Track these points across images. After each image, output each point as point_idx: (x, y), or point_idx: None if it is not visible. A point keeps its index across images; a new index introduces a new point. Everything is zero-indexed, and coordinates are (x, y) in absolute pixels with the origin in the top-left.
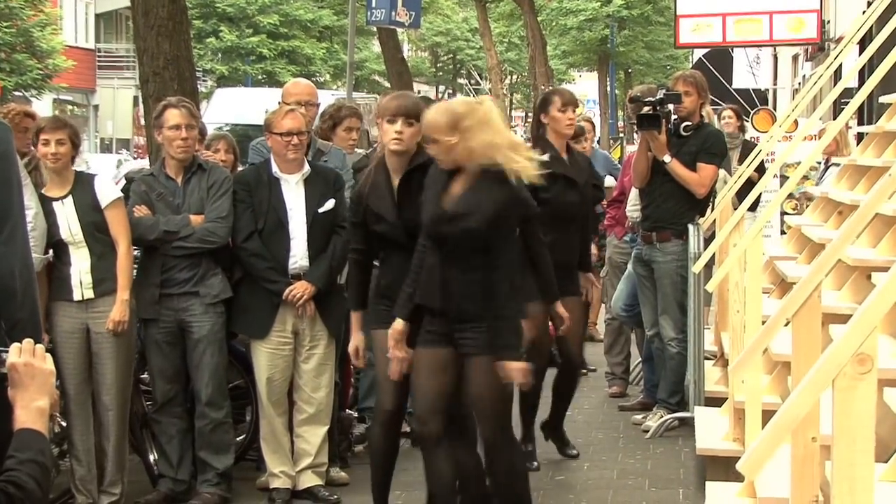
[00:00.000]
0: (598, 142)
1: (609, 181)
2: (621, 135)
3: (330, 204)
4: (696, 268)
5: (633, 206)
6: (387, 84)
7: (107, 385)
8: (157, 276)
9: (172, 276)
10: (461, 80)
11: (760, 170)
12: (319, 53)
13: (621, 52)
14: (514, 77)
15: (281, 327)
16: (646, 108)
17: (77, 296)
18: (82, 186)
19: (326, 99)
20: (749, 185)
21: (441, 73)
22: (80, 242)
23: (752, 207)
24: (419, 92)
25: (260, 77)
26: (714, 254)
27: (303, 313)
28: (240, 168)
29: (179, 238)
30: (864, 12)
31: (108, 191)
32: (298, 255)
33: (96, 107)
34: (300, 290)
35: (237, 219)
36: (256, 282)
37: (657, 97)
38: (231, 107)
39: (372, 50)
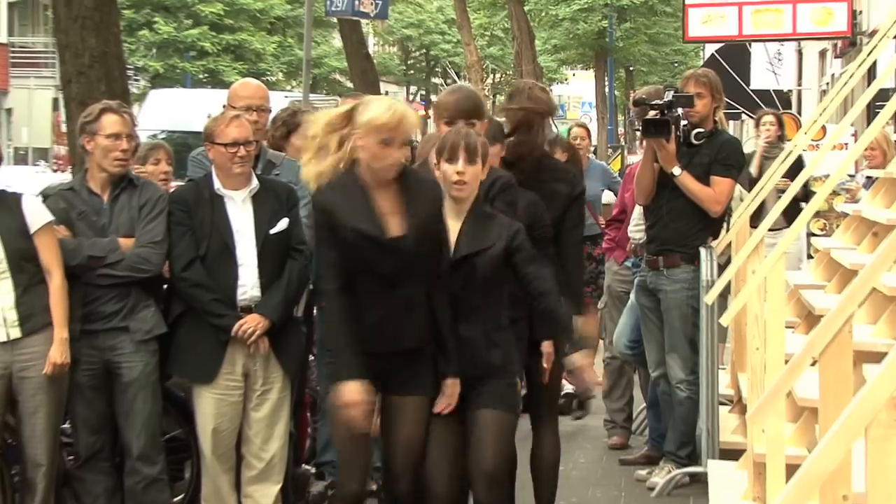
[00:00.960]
0: (595, 151)
1: (607, 197)
2: (622, 143)
3: (283, 224)
4: (710, 298)
5: (635, 227)
6: (349, 84)
7: (37, 437)
8: (79, 308)
9: (97, 309)
10: (435, 80)
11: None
12: (270, 48)
13: (621, 48)
14: (498, 76)
15: (229, 369)
16: (652, 113)
17: (1, 336)
18: (7, 208)
19: (279, 102)
20: (794, 202)
21: (412, 72)
22: (4, 273)
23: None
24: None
25: (201, 76)
26: (730, 282)
27: (255, 352)
28: (175, 184)
29: (106, 265)
30: None
31: (38, 213)
32: (248, 285)
33: (9, 110)
34: (251, 324)
35: (175, 243)
36: (199, 316)
37: (665, 100)
38: (167, 111)
39: (332, 44)
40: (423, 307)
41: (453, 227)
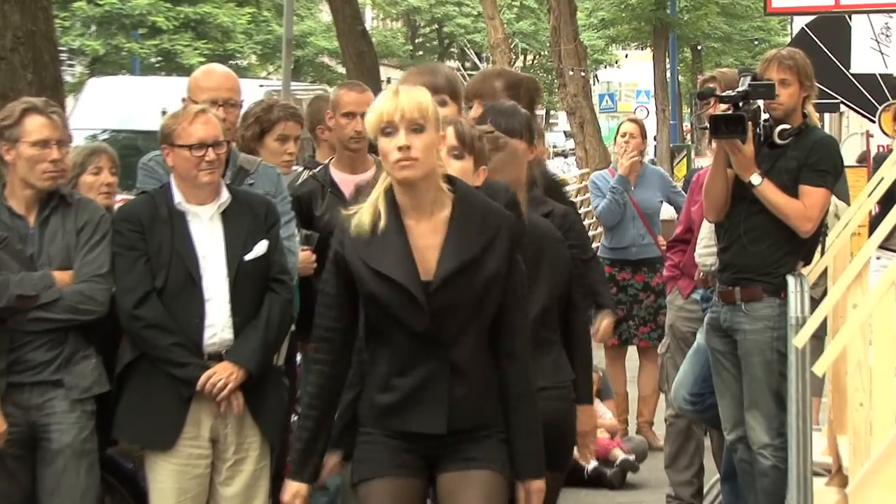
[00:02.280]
0: (654, 153)
1: (668, 211)
2: (688, 143)
3: (261, 247)
4: (800, 340)
5: (705, 250)
6: (341, 69)
7: None
8: (2, 358)
9: (24, 359)
10: (450, 63)
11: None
12: (241, 24)
13: (687, 22)
14: (530, 58)
15: (193, 432)
16: (723, 106)
17: None
18: None
19: (252, 93)
20: None
21: (421, 53)
22: None
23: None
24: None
25: (153, 60)
26: (826, 319)
27: (226, 411)
28: (122, 198)
29: (39, 306)
30: None
31: None
32: (218, 325)
33: None
34: (222, 375)
35: (124, 274)
36: (155, 365)
37: (740, 89)
38: (111, 104)
39: (319, 19)
40: (481, 375)
41: (432, 240)
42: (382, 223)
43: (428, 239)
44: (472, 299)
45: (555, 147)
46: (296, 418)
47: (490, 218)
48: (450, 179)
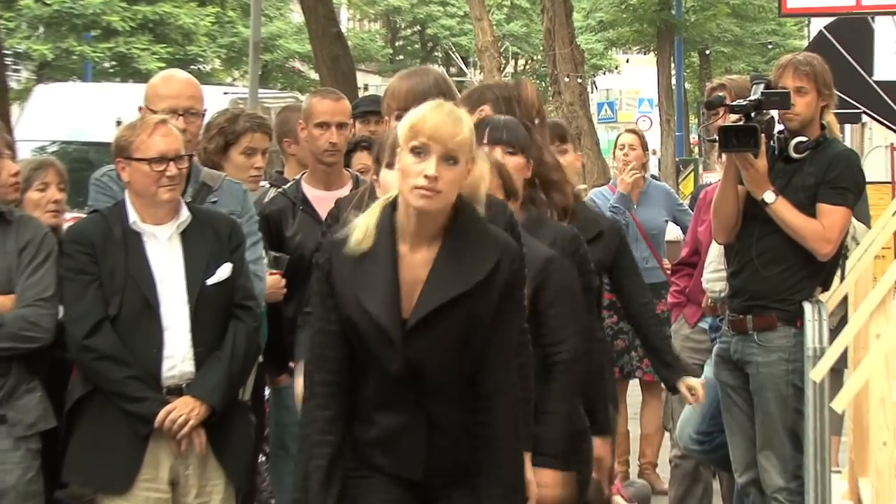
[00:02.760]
0: (658, 167)
1: (673, 232)
2: (695, 156)
3: (225, 271)
4: (818, 373)
5: (713, 274)
6: (314, 75)
7: None
8: None
9: None
10: (434, 68)
11: None
12: (204, 25)
13: (694, 23)
14: (521, 62)
15: (151, 474)
16: (734, 117)
17: None
18: None
19: (215, 101)
20: None
21: (402, 57)
22: None
23: None
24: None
25: (107, 65)
26: (846, 350)
27: (187, 450)
28: (72, 216)
29: None
30: None
31: None
32: (178, 356)
33: None
34: (183, 411)
35: (74, 301)
36: (109, 400)
37: (752, 97)
38: (60, 114)
39: (289, 20)
40: (463, 422)
41: (422, 272)
42: (374, 246)
43: (418, 270)
44: (455, 342)
45: None
46: (263, 458)
47: (488, 248)
48: (462, 204)
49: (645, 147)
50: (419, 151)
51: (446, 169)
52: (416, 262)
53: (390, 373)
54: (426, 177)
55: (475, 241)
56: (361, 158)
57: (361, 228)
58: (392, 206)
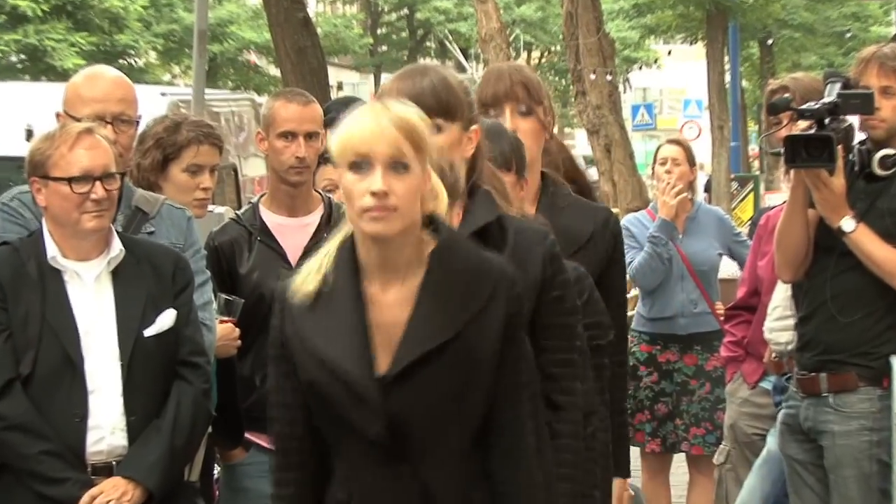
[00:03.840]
0: (708, 187)
1: (729, 267)
2: (755, 172)
3: (167, 319)
4: None
5: (778, 322)
6: (275, 71)
7: None
8: None
9: None
10: (424, 60)
11: None
12: (136, 10)
13: (753, 5)
14: (536, 55)
15: None
16: (803, 124)
17: None
18: None
19: (152, 105)
20: None
21: (385, 48)
22: None
23: None
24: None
25: (15, 59)
26: None
27: None
28: None
29: None
30: None
31: None
32: (106, 427)
33: None
34: (112, 496)
35: None
36: (20, 480)
37: (826, 100)
38: None
39: (243, 2)
40: (464, 496)
41: (400, 314)
42: (333, 289)
43: (395, 313)
44: (448, 396)
45: None
46: None
47: (481, 280)
48: (433, 223)
49: (692, 161)
50: (358, 166)
51: (397, 179)
52: (392, 302)
53: (367, 438)
54: (373, 194)
55: (462, 270)
56: (327, 173)
57: (315, 269)
58: (352, 240)
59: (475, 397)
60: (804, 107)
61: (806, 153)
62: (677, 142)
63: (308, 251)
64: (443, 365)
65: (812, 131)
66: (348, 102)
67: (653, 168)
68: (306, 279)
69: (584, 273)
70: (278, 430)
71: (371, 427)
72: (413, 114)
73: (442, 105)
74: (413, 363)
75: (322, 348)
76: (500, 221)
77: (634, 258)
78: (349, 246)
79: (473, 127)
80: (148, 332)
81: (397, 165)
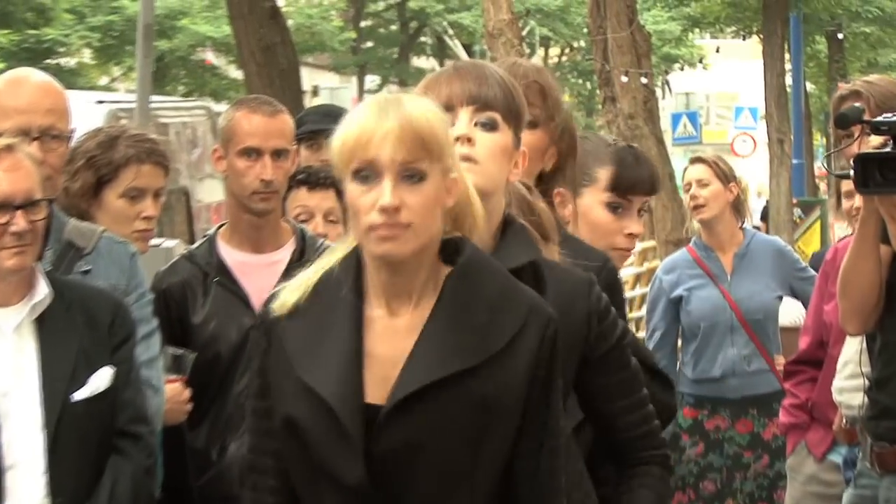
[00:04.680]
0: (763, 218)
1: (791, 312)
2: (822, 196)
3: (103, 379)
4: None
5: (849, 380)
6: (236, 73)
7: None
8: None
9: None
10: (420, 61)
11: None
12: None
13: None
14: (554, 52)
15: None
16: (877, 139)
17: None
18: None
19: (85, 115)
20: None
21: (371, 44)
22: None
23: None
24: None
25: None
26: None
27: None
28: None
29: None
30: None
31: None
32: None
33: None
34: None
35: None
36: None
37: None
38: None
39: None
40: None
41: (405, 342)
42: (330, 308)
43: (400, 342)
44: (453, 445)
45: None
46: None
47: (509, 311)
48: (455, 245)
49: (725, 177)
50: (365, 175)
51: (410, 191)
52: (398, 329)
53: (345, 485)
54: (382, 209)
55: (486, 296)
56: (299, 199)
57: (298, 283)
58: (357, 257)
59: (490, 452)
60: (880, 118)
61: (881, 176)
62: (700, 159)
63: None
64: (449, 404)
65: (889, 149)
66: (327, 113)
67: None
68: (295, 294)
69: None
70: (252, 483)
71: (351, 471)
72: (430, 109)
73: (509, 104)
74: (411, 396)
75: (307, 374)
76: (536, 266)
77: (657, 326)
78: (354, 261)
79: (522, 148)
80: (78, 396)
81: (411, 175)
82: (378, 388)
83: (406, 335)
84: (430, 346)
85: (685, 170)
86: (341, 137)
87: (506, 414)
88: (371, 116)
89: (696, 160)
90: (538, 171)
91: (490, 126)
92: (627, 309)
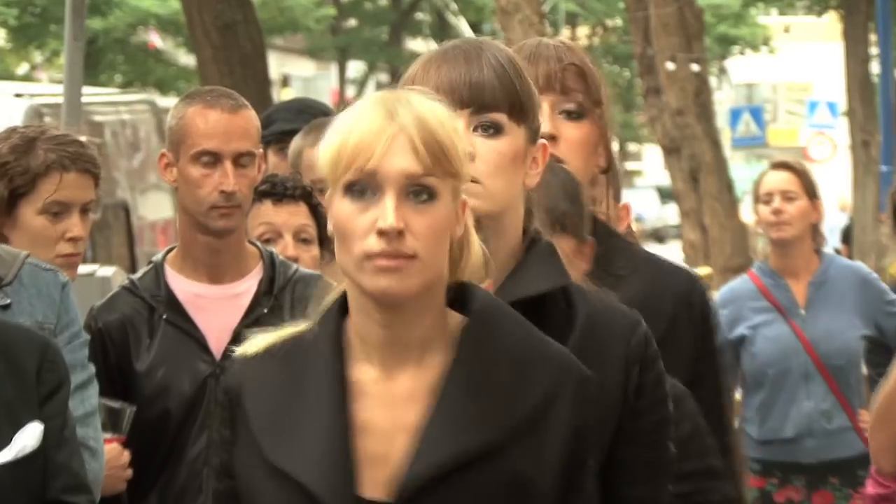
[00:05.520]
0: (845, 239)
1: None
2: None
3: (29, 438)
4: None
5: None
6: (187, 59)
7: None
8: None
9: None
10: (415, 43)
11: None
12: None
13: None
14: (583, 33)
15: None
16: None
17: None
18: None
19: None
20: None
21: (354, 22)
22: None
23: None
24: (285, 81)
25: None
26: None
27: None
28: None
29: None
30: None
31: None
32: None
33: None
34: None
35: None
36: None
37: None
38: None
39: None
40: None
41: (406, 414)
42: (305, 371)
43: (401, 413)
44: None
45: (638, 220)
46: None
47: (535, 371)
48: (463, 292)
49: (812, 192)
50: (360, 190)
51: (417, 212)
52: (398, 396)
53: None
54: (380, 232)
55: (509, 351)
56: (264, 214)
57: (264, 336)
58: (341, 305)
59: None
60: None
61: None
62: (786, 166)
63: (239, 336)
64: (472, 492)
65: None
66: (301, 109)
67: (757, 207)
68: (262, 345)
69: (683, 392)
70: None
71: None
72: (445, 113)
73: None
74: (426, 486)
75: (283, 459)
76: (568, 293)
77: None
78: (335, 306)
79: (541, 141)
80: (1, 459)
81: (419, 191)
82: (373, 473)
83: (409, 403)
84: (445, 421)
85: (762, 177)
86: (337, 142)
87: (540, 498)
88: (375, 117)
89: (780, 166)
90: (591, 172)
91: (493, 131)
92: None
